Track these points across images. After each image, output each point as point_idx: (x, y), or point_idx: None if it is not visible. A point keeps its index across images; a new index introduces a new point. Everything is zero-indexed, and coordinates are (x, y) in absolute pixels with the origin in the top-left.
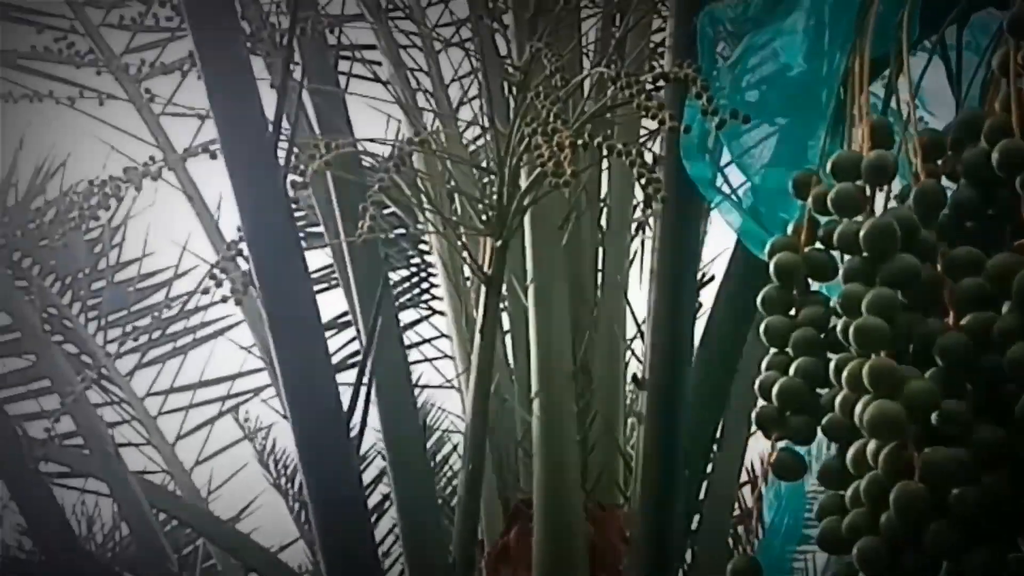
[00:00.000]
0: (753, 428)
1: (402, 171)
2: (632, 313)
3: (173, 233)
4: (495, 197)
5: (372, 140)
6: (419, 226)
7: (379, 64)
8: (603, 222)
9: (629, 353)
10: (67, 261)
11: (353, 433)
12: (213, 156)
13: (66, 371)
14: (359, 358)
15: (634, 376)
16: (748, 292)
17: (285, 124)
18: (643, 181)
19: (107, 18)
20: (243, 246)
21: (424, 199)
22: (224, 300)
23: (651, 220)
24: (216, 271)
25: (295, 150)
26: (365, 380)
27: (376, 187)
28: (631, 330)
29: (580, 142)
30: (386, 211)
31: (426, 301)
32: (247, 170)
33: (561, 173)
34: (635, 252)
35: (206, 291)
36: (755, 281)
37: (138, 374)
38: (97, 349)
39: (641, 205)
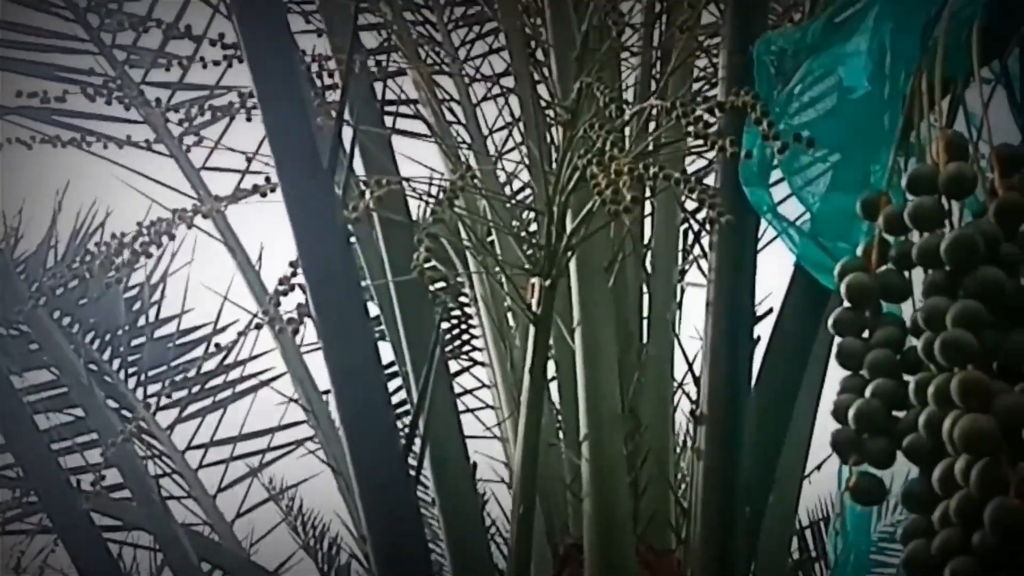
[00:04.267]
0: (810, 466)
1: (446, 215)
2: (683, 353)
3: (212, 288)
4: (541, 237)
5: (419, 180)
6: (460, 274)
7: (420, 119)
8: (648, 264)
9: (679, 394)
10: (107, 318)
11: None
12: (263, 194)
13: (114, 425)
14: (407, 408)
15: (692, 411)
16: (807, 323)
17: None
18: (706, 203)
19: (147, 76)
20: (296, 281)
21: (469, 240)
22: (279, 331)
23: (700, 260)
24: (269, 306)
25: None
26: (420, 431)
27: (431, 219)
28: (679, 370)
29: (637, 172)
30: (427, 264)
31: (467, 352)
32: (305, 200)
33: (620, 200)
34: (681, 293)
35: (259, 326)
36: (814, 312)
37: (178, 428)
38: (138, 404)
39: (688, 247)
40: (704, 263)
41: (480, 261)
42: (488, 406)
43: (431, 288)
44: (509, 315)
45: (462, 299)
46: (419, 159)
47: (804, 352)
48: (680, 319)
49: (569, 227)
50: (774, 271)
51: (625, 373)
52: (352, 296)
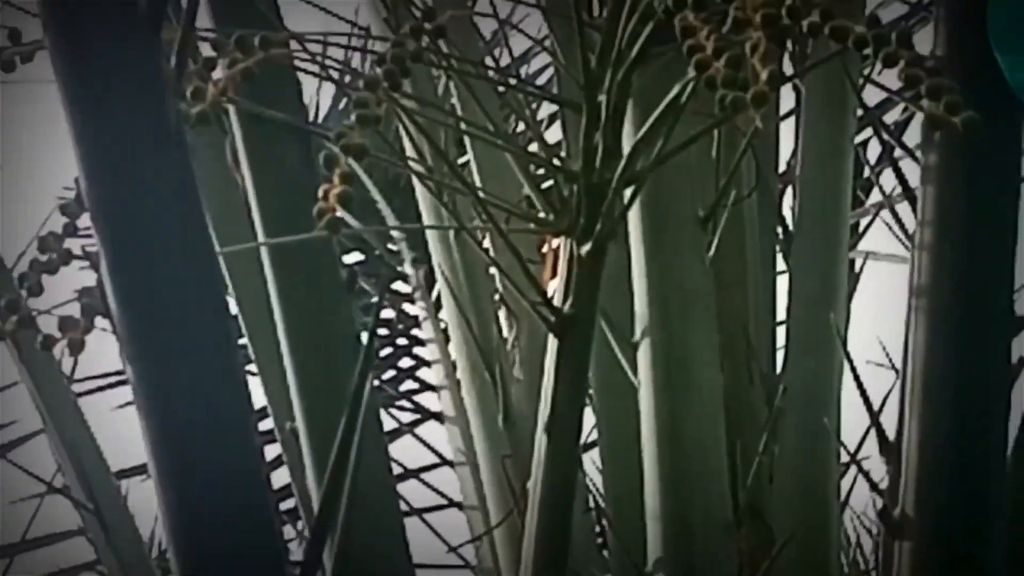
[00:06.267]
0: None
1: (380, 110)
2: (861, 391)
3: None
4: (573, 158)
5: (323, 38)
6: (394, 232)
7: None
8: (787, 215)
9: (852, 474)
10: None
11: None
12: (8, 67)
13: None
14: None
15: (883, 510)
16: None
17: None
18: (920, 88)
19: None
20: (76, 245)
21: (421, 162)
22: (37, 346)
23: (895, 207)
24: (16, 296)
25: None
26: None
27: (352, 118)
28: (851, 426)
29: (779, 24)
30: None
31: (411, 394)
32: (101, 81)
33: (743, 81)
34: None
35: None
36: None
37: None
38: None
39: (871, 176)
40: (907, 213)
41: (445, 204)
42: (452, 503)
43: (343, 262)
44: (500, 315)
45: (400, 285)
46: (329, 6)
47: None
48: (847, 323)
49: (630, 138)
50: None
51: (741, 432)
52: (194, 274)
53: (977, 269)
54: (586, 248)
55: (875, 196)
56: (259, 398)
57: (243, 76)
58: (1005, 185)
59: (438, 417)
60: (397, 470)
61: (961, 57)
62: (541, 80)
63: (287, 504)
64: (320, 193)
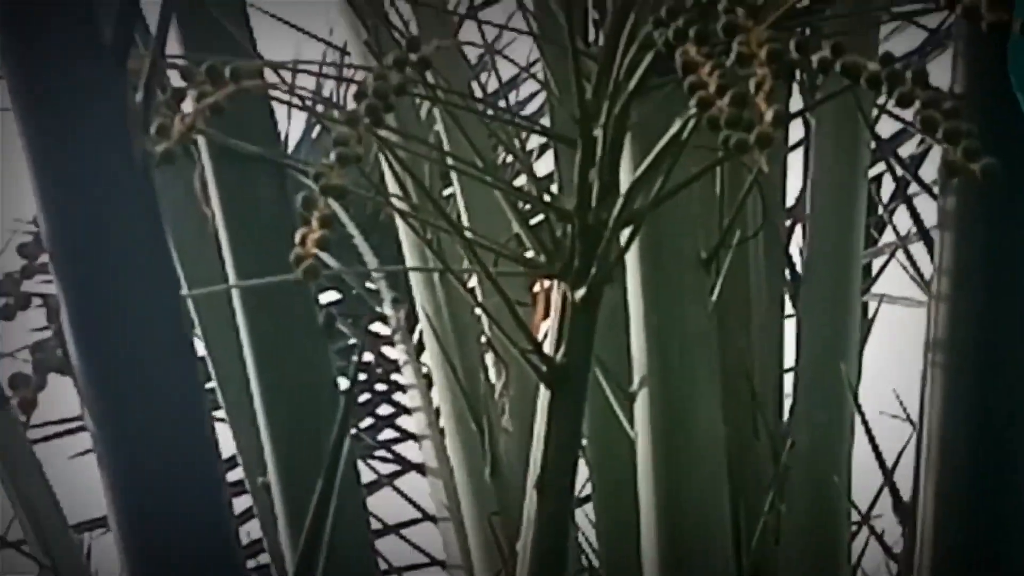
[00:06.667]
0: None
1: (361, 149)
2: (874, 447)
3: None
4: (567, 195)
5: (298, 67)
6: (373, 273)
7: None
8: (796, 255)
9: (863, 536)
10: None
11: None
12: None
13: None
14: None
15: None
16: None
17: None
18: (937, 129)
19: None
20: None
21: (405, 200)
22: None
23: (907, 248)
24: None
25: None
26: None
27: (333, 156)
28: (863, 485)
29: (785, 59)
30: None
31: (390, 443)
32: (64, 110)
33: (746, 120)
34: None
35: None
36: None
37: None
38: None
39: (883, 215)
40: (924, 256)
41: (429, 243)
42: (434, 562)
43: (320, 303)
44: (488, 362)
45: (379, 326)
46: (303, 24)
47: None
48: (859, 372)
49: (628, 175)
50: None
51: (745, 489)
52: (159, 315)
53: (997, 323)
54: (580, 293)
55: (888, 235)
56: (228, 447)
57: (212, 111)
58: (1012, 224)
59: (420, 469)
60: (375, 525)
61: (980, 94)
62: (531, 107)
63: (257, 560)
64: (298, 238)
